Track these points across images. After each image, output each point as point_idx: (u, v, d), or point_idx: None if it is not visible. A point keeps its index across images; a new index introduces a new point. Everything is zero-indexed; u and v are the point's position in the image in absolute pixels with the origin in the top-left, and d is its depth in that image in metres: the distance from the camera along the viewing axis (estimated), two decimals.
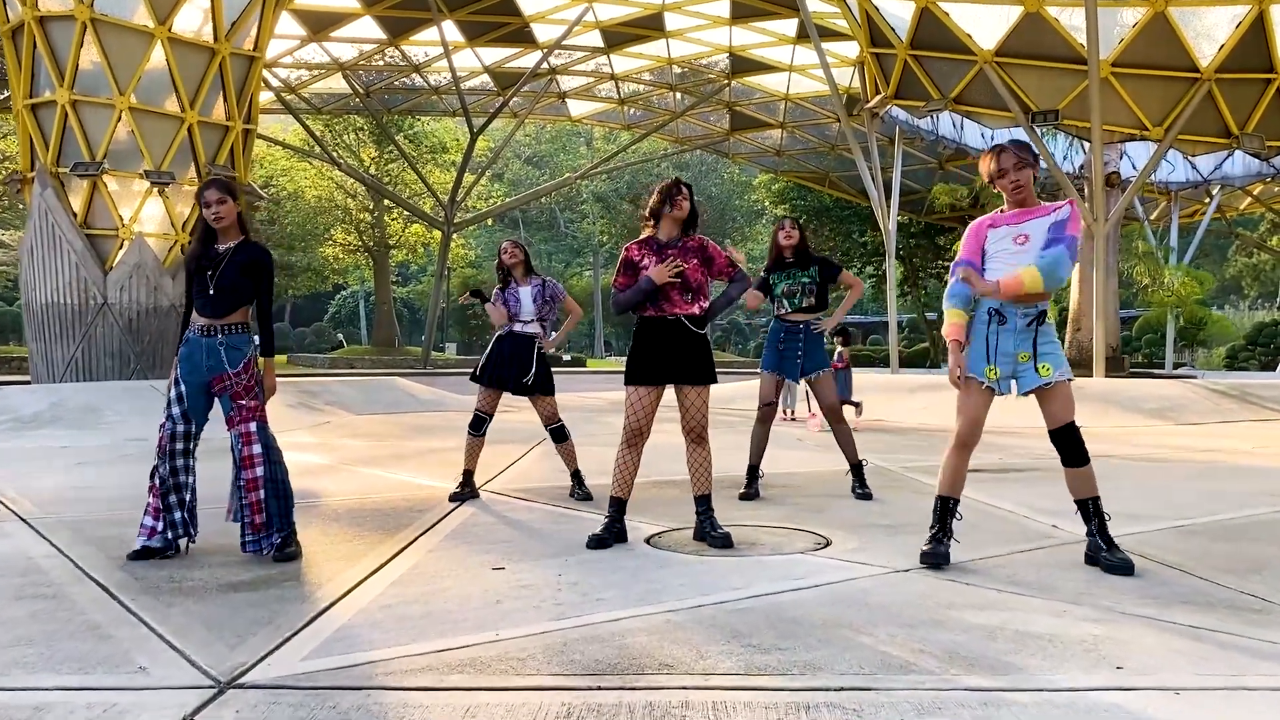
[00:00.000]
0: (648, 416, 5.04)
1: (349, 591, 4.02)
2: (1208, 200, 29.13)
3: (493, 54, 30.29)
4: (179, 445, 4.75)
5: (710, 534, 4.93)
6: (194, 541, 4.80)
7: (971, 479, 7.45)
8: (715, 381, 5.09)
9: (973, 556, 4.60)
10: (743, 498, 6.43)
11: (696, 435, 5.08)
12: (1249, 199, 32.21)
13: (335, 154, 37.43)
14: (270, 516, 4.70)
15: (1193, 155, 20.33)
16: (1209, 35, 17.65)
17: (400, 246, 45.38)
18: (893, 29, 19.03)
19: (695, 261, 5.01)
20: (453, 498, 6.40)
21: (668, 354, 5.00)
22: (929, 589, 4.00)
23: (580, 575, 4.27)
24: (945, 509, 4.53)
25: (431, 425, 12.73)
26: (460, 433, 11.32)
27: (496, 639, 3.34)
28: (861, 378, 19.92)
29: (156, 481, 4.73)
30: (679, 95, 33.12)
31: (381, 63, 31.04)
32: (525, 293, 6.65)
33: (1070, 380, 4.40)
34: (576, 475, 6.64)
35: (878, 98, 20.23)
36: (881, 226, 22.89)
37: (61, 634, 3.47)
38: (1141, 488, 6.94)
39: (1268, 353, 43.76)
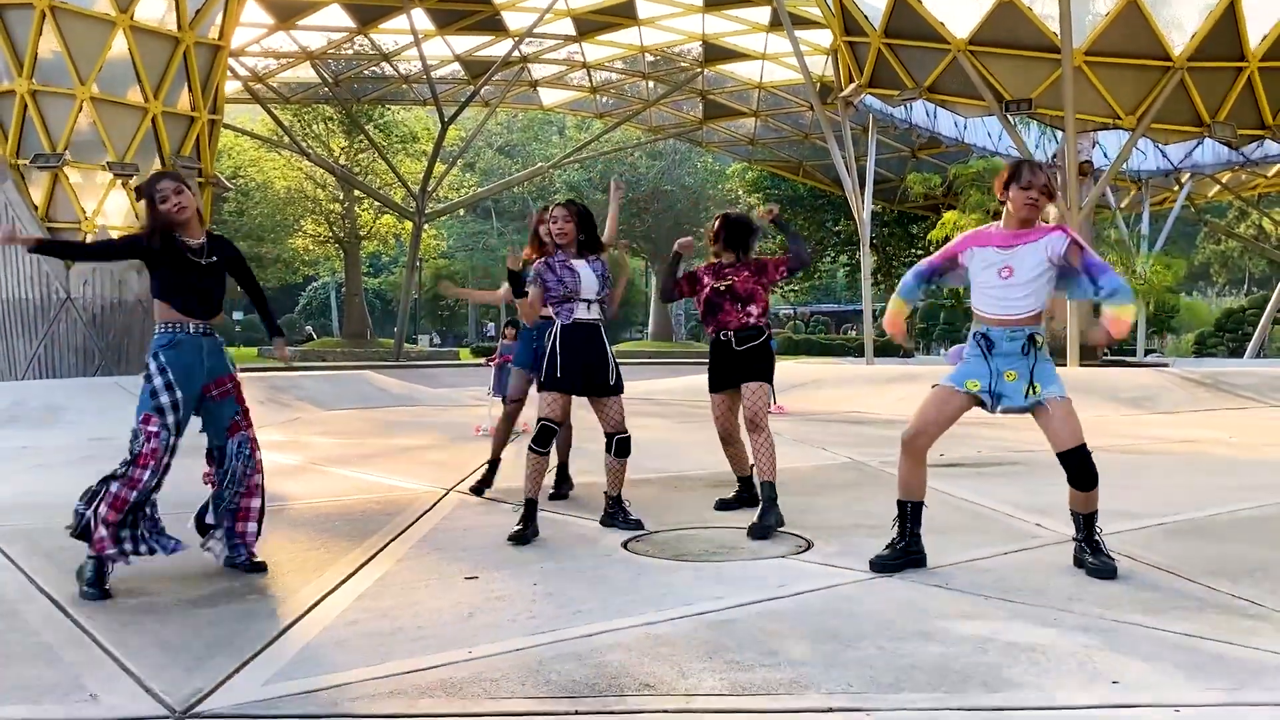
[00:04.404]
0: (725, 418, 5.80)
1: (314, 606, 3.86)
2: (1177, 188, 29.27)
3: (463, 42, 29.94)
4: (168, 460, 4.26)
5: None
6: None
7: (951, 474, 7.37)
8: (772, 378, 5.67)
9: (957, 559, 4.50)
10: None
11: (755, 424, 5.46)
12: (1218, 187, 32.38)
13: (304, 144, 36.92)
14: (260, 522, 4.55)
15: (1165, 144, 20.36)
16: (1180, 24, 17.68)
17: (371, 237, 44.82)
18: (866, 17, 18.92)
19: (746, 274, 5.58)
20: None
21: (729, 366, 5.57)
22: (915, 596, 3.89)
23: (557, 584, 4.13)
24: (903, 514, 4.40)
25: (403, 421, 12.53)
26: (431, 429, 11.15)
27: (469, 657, 3.20)
28: (837, 368, 19.87)
29: (124, 494, 4.13)
30: (651, 84, 32.89)
31: (350, 51, 30.61)
32: (584, 267, 5.25)
33: (1067, 399, 4.23)
34: (617, 500, 5.39)
35: (852, 86, 20.14)
36: (855, 216, 22.81)
37: (10, 657, 3.29)
38: (1124, 483, 6.86)
39: (1235, 339, 44.18)
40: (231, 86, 29.69)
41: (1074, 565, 4.32)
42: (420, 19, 27.35)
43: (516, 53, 29.58)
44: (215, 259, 4.51)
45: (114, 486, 4.19)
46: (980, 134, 24.92)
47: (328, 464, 8.30)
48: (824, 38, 25.62)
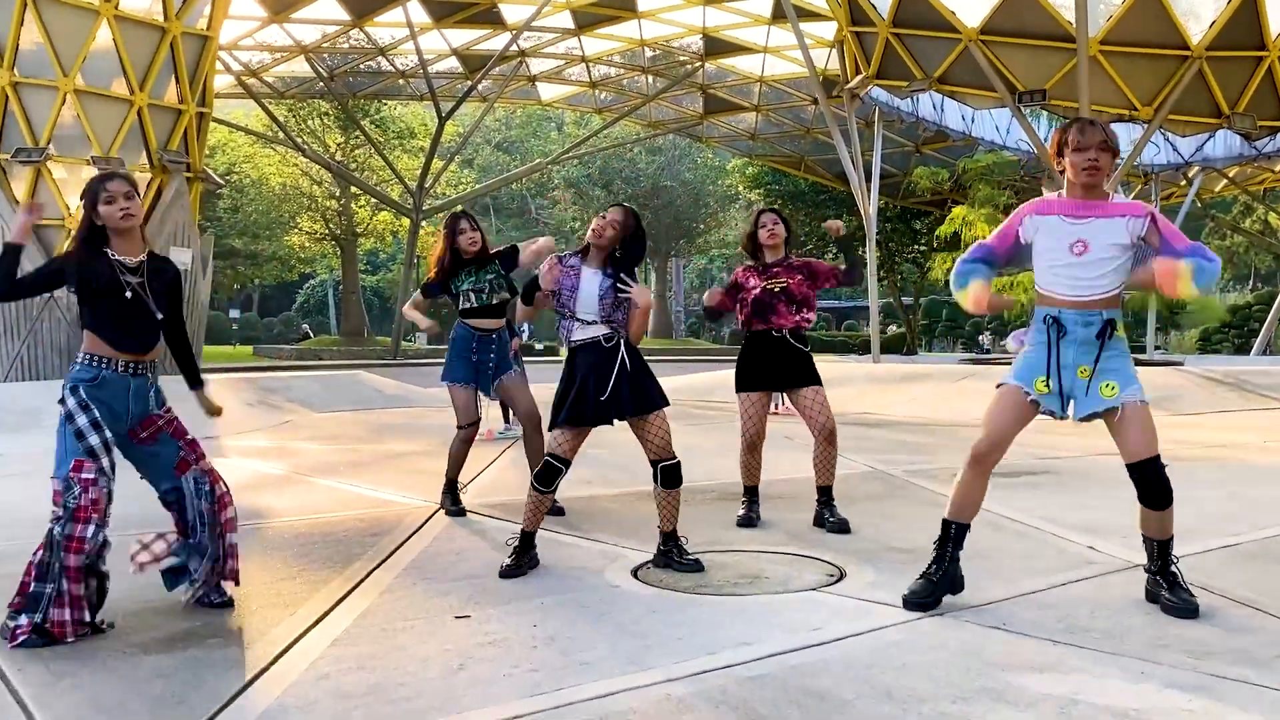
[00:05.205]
0: (762, 421, 5.56)
1: (281, 654, 3.35)
2: (1185, 183, 28.77)
3: (460, 36, 29.40)
4: (110, 509, 3.70)
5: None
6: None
7: None
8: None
9: (1011, 592, 3.99)
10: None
11: (831, 436, 5.43)
12: (1224, 181, 31.88)
13: (299, 140, 36.38)
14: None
15: (1183, 135, 19.86)
16: (1197, 13, 17.17)
17: (368, 234, 44.32)
18: (874, 6, 18.40)
19: (799, 277, 5.43)
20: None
21: (776, 365, 5.42)
22: (972, 641, 3.38)
23: (559, 624, 3.63)
24: (946, 536, 3.87)
25: (396, 424, 12.03)
26: (425, 434, 10.62)
27: None
28: (843, 367, 19.36)
29: (73, 560, 3.53)
30: (651, 78, 32.37)
31: (346, 45, 30.08)
32: (590, 278, 4.45)
33: (1146, 403, 3.69)
34: (671, 536, 4.55)
35: (858, 78, 19.62)
36: (861, 211, 22.29)
37: None
38: None
39: (1241, 335, 43.66)
40: (225, 81, 29.20)
41: (1146, 600, 3.82)
42: (416, 12, 26.83)
43: (515, 47, 29.06)
44: (155, 283, 3.87)
45: (63, 558, 3.56)
46: (988, 127, 24.41)
47: (314, 473, 7.80)
48: (827, 30, 25.11)
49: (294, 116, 37.82)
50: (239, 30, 27.36)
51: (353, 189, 40.39)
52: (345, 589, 4.18)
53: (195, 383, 4.16)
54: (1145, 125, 17.61)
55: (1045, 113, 19.33)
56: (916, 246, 41.79)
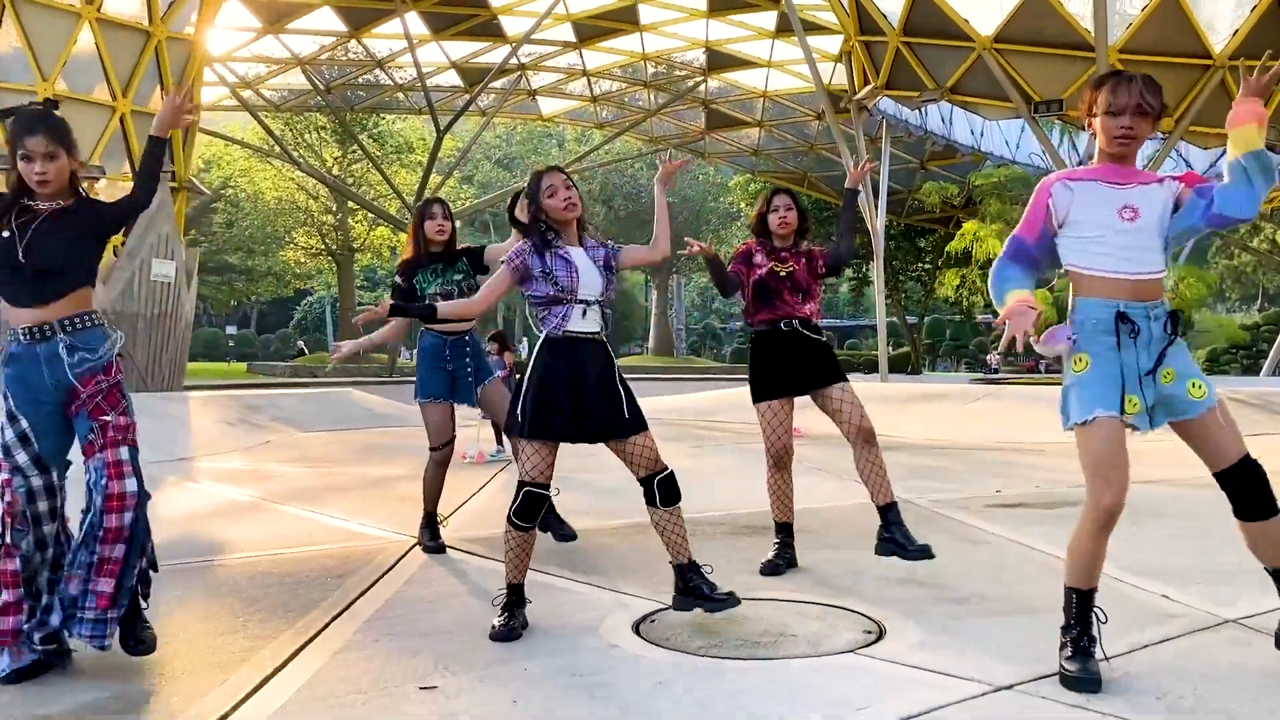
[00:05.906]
0: (788, 433, 4.80)
1: None
2: None
3: (460, 48, 28.92)
4: (42, 506, 3.27)
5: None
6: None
7: (1019, 518, 6.25)
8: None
9: None
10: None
11: (869, 437, 4.69)
12: None
13: (296, 153, 35.86)
14: (123, 587, 3.24)
15: (1205, 148, 19.31)
16: (1215, 24, 16.61)
17: (365, 250, 43.77)
18: (884, 14, 17.86)
19: (804, 263, 4.85)
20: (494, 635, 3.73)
21: (793, 363, 4.74)
22: None
23: (545, 701, 2.97)
24: (1086, 606, 3.17)
25: (383, 445, 11.37)
26: (412, 455, 9.95)
27: None
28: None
29: (9, 564, 3.20)
30: (653, 93, 31.88)
31: (344, 57, 29.59)
32: (583, 257, 3.87)
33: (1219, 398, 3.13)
34: (691, 567, 3.79)
35: (867, 88, 19.07)
36: (869, 227, 21.72)
37: None
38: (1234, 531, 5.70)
39: (1249, 355, 43.01)
40: (220, 93, 28.71)
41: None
42: (414, 23, 26.33)
43: (514, 60, 28.56)
44: (57, 224, 3.27)
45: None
46: (997, 141, 23.92)
47: (286, 500, 7.14)
48: (832, 44, 24.62)
49: (291, 130, 37.33)
50: (234, 41, 26.89)
51: (350, 204, 39.86)
52: (295, 646, 3.53)
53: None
54: (1165, 138, 17.04)
55: (1059, 123, 18.76)
56: (921, 264, 41.25)
